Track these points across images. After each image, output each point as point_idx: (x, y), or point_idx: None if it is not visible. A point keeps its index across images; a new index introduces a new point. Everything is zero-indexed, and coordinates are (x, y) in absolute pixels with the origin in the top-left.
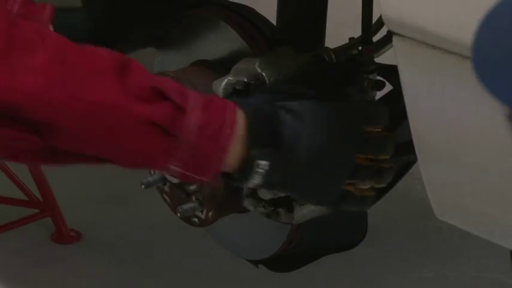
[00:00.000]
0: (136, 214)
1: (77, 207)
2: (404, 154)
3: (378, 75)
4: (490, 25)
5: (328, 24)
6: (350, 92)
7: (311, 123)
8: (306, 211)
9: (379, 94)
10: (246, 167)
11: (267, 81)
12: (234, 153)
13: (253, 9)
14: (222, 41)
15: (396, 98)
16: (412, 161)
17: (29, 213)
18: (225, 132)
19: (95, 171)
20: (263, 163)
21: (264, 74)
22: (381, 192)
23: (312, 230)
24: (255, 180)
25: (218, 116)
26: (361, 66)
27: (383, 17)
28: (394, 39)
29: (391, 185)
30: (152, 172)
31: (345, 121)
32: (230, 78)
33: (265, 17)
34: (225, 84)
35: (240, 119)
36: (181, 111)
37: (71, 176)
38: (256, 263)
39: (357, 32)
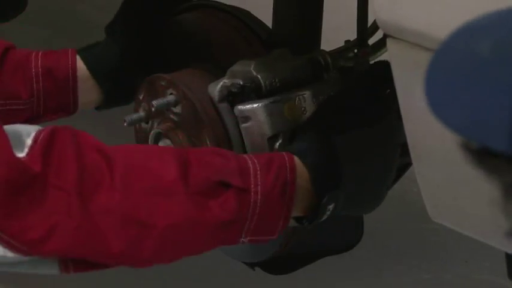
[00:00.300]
0: None
1: None
2: (401, 156)
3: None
4: (438, 59)
5: (324, 27)
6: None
7: (366, 154)
8: None
9: None
10: (316, 213)
11: (262, 84)
12: (300, 205)
13: (248, 12)
14: (218, 43)
15: (393, 99)
16: (408, 163)
17: None
18: (289, 191)
19: None
20: (330, 206)
21: (259, 76)
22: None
23: (309, 232)
24: (322, 219)
25: (281, 177)
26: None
27: (377, 20)
28: (388, 41)
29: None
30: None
31: (390, 140)
32: (225, 81)
33: (260, 20)
34: (220, 87)
35: (300, 166)
36: (246, 192)
37: None
38: (252, 265)
39: (351, 36)
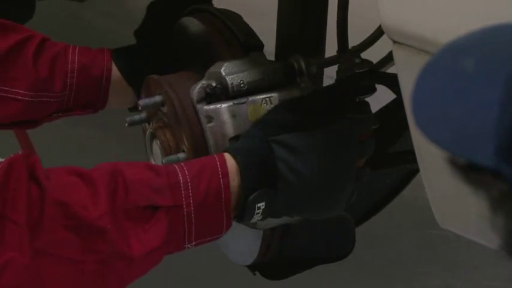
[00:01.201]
0: None
1: None
2: (408, 162)
3: (380, 83)
4: (425, 76)
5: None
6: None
7: (307, 156)
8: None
9: (381, 102)
10: (245, 211)
11: (229, 86)
12: (233, 203)
13: (237, 16)
14: (205, 46)
15: (399, 106)
16: (416, 169)
17: None
18: (225, 194)
19: None
20: (260, 205)
21: (227, 78)
22: (385, 201)
23: (301, 237)
24: (256, 219)
25: (213, 183)
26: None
27: (382, 26)
28: (394, 47)
29: (395, 193)
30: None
31: (341, 144)
32: (203, 82)
33: (246, 23)
34: (198, 88)
35: (232, 168)
36: (177, 208)
37: None
38: (253, 269)
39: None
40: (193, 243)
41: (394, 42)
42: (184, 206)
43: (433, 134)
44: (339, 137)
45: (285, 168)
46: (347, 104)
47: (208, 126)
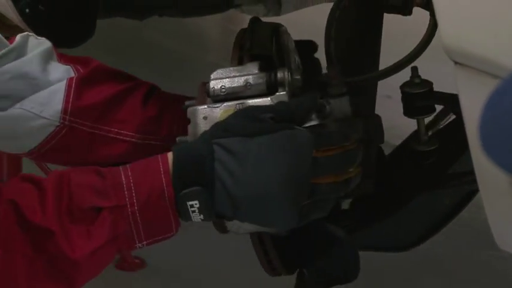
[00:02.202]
0: (202, 241)
1: None
2: (467, 184)
3: (440, 104)
4: (492, 103)
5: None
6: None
7: (246, 160)
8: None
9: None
10: (181, 208)
11: (210, 90)
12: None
13: (270, 27)
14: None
15: (459, 127)
16: (475, 190)
17: None
18: (168, 193)
19: None
20: (193, 203)
21: (210, 83)
22: (443, 221)
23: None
24: (195, 218)
25: (156, 183)
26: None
27: (443, 46)
28: (455, 68)
29: (454, 214)
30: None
31: (284, 153)
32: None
33: (267, 32)
34: (206, 89)
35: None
36: (121, 207)
37: None
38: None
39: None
40: (144, 242)
41: (456, 63)
42: (128, 206)
43: (499, 158)
44: (281, 146)
45: (222, 169)
46: (300, 116)
47: (188, 126)
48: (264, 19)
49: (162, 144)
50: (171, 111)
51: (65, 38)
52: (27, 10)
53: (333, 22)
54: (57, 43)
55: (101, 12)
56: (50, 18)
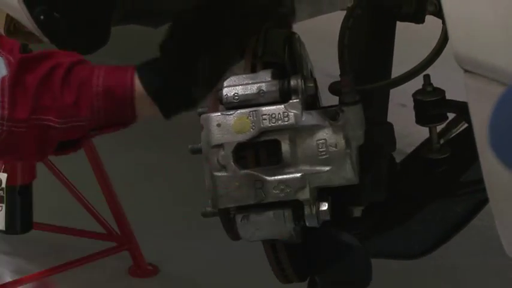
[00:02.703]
0: (215, 247)
1: (154, 240)
2: (479, 192)
3: (451, 112)
4: (501, 108)
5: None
6: None
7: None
8: (252, 229)
9: None
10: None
11: (223, 97)
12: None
13: (284, 35)
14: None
15: (471, 135)
16: (486, 198)
17: (107, 247)
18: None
19: (173, 206)
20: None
21: (222, 89)
22: (455, 229)
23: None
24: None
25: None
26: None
27: (454, 54)
28: (465, 76)
29: (465, 222)
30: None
31: None
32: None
33: (279, 40)
34: (218, 96)
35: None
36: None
37: (149, 210)
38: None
39: None
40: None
41: (465, 71)
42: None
43: (509, 158)
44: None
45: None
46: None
47: (202, 133)
48: None
49: (88, 124)
50: (88, 90)
51: (80, 45)
52: (42, 17)
53: (346, 30)
54: (72, 50)
55: (115, 19)
56: (64, 26)
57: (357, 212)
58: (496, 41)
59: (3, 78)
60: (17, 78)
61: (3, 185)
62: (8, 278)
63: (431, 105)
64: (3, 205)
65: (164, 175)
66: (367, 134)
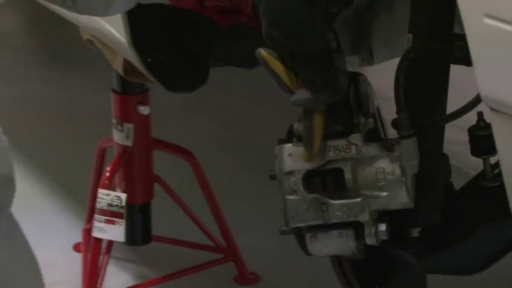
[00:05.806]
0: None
1: (256, 251)
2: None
3: None
4: None
5: None
6: None
7: None
8: (319, 246)
9: None
10: None
11: (294, 130)
12: None
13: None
14: None
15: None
16: None
17: (215, 258)
18: None
19: (272, 221)
20: None
21: (294, 124)
22: (506, 250)
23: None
24: None
25: None
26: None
27: (480, 94)
28: (492, 114)
29: (503, 253)
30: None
31: None
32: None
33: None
34: (291, 129)
35: None
36: None
37: (250, 225)
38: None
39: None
40: None
41: (492, 109)
42: None
43: None
44: None
45: None
46: None
47: (276, 162)
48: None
49: None
50: None
51: (182, 85)
52: (149, 60)
53: (401, 72)
54: (175, 89)
55: (213, 61)
56: (168, 67)
57: (415, 233)
58: None
59: None
60: None
61: (124, 203)
62: (131, 283)
63: (484, 139)
64: (124, 220)
65: (263, 191)
66: (425, 164)
